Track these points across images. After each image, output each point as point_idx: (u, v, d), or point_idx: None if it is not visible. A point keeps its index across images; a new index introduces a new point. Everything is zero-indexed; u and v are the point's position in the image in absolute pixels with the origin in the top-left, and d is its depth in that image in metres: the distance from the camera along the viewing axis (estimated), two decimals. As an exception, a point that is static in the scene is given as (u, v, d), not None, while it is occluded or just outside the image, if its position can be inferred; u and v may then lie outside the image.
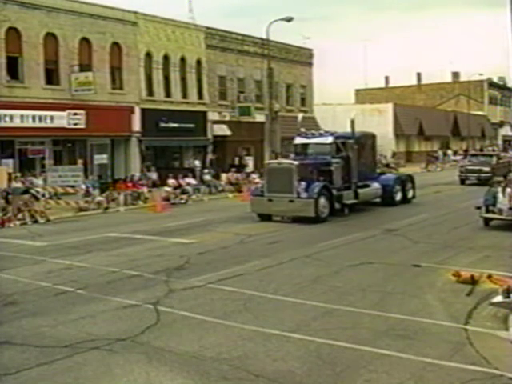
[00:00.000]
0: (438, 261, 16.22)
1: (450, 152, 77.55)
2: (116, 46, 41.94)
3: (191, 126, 46.05)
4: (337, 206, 26.28)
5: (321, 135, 28.52)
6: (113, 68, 41.88)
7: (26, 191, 29.62)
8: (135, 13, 43.47)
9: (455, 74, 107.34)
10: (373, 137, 31.73)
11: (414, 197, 31.48)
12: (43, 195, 30.76)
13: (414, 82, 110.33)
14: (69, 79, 38.52)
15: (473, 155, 51.41)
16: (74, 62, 38.91)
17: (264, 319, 11.33)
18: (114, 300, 13.05)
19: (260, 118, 52.55)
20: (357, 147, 27.84)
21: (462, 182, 44.05)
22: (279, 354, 9.54)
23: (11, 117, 34.87)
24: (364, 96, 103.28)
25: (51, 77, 38.16)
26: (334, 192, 25.90)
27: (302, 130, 29.80)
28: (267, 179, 26.33)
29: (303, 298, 12.74)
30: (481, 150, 75.85)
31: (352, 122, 28.30)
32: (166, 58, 45.61)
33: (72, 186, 31.41)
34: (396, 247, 18.72)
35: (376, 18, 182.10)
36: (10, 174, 31.59)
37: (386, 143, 69.83)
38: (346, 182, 27.11)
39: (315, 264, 16.39)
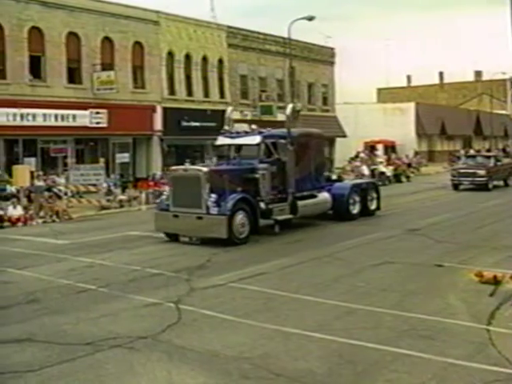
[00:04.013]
0: (461, 261, 16.12)
1: (472, 151, 77.05)
2: (138, 45, 42.08)
3: (213, 124, 46.07)
4: (267, 222, 21.73)
5: (247, 134, 23.09)
6: (135, 67, 42.04)
7: (49, 190, 29.87)
8: (157, 12, 43.60)
9: (478, 73, 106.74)
10: (319, 136, 26.48)
11: (378, 208, 26.37)
12: (65, 194, 30.99)
13: (436, 80, 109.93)
14: (91, 78, 38.71)
15: (469, 156, 46.14)
16: (96, 61, 39.10)
17: (285, 318, 11.31)
18: (136, 298, 13.09)
19: (281, 117, 52.46)
20: (294, 149, 22.48)
21: (456, 187, 38.63)
22: (300, 354, 9.52)
23: (34, 116, 35.07)
24: (386, 95, 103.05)
25: (73, 76, 38.37)
26: (262, 205, 21.06)
27: (226, 127, 24.31)
28: (172, 190, 21.16)
29: (324, 297, 12.70)
30: (489, 150, 75.06)
31: (288, 117, 23.92)
32: (187, 57, 45.69)
33: (94, 185, 31.56)
34: (418, 247, 18.62)
35: (398, 17, 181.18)
36: (32, 173, 31.78)
37: (408, 142, 69.59)
38: (280, 193, 22.16)
39: (336, 263, 16.35)
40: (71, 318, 11.69)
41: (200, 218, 19.91)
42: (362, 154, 59.75)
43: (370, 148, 64.76)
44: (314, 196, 23.71)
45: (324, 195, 24.22)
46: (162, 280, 14.91)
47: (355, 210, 24.98)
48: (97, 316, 11.80)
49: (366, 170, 47.78)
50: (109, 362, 9.36)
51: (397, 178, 48.43)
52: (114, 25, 40.24)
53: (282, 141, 22.45)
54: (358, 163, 54.42)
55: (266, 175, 21.46)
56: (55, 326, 11.21)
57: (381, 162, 51.84)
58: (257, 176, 21.23)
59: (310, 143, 24.40)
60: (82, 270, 16.45)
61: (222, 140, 23.54)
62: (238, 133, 23.43)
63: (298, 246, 19.36)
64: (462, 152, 73.16)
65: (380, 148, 65.51)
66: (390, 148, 65.82)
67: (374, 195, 26.42)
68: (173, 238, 20.66)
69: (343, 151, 59.90)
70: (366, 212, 25.44)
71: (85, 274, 15.80)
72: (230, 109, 26.01)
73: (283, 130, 23.21)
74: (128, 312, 12.10)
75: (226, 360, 9.32)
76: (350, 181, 28.92)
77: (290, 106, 25.17)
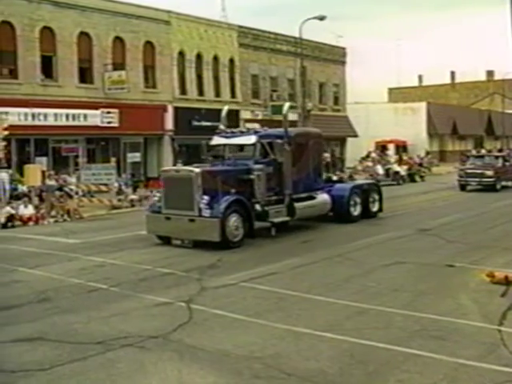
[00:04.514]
0: (472, 261, 16.06)
1: (483, 151, 76.85)
2: (149, 44, 42.20)
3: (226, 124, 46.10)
4: (263, 224, 21.03)
5: (242, 134, 22.41)
6: (146, 67, 42.15)
7: (60, 189, 29.96)
8: (168, 12, 43.70)
9: (489, 73, 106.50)
10: (317, 136, 25.33)
11: (380, 210, 25.61)
12: (76, 193, 31.06)
13: (448, 80, 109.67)
14: (102, 78, 38.85)
15: (476, 156, 44.59)
16: (107, 61, 39.23)
17: (296, 318, 11.30)
18: (147, 298, 13.10)
19: (293, 116, 52.38)
20: (292, 149, 21.96)
21: (463, 187, 37.89)
22: (311, 353, 9.50)
23: (45, 115, 35.22)
24: (397, 95, 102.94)
25: (85, 75, 38.50)
26: (257, 208, 20.46)
27: (222, 127, 23.57)
28: (164, 191, 20.49)
29: (336, 297, 12.68)
30: (500, 150, 74.75)
31: (285, 117, 22.98)
32: (198, 56, 45.78)
33: (105, 184, 31.61)
34: (429, 247, 18.56)
35: (409, 17, 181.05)
36: (43, 172, 31.88)
37: (420, 142, 69.47)
38: (276, 194, 21.56)
39: (347, 263, 16.32)
40: (82, 317, 11.71)
41: (192, 220, 19.28)
42: (373, 154, 59.75)
43: (381, 148, 64.73)
44: (312, 197, 23.12)
45: (323, 197, 23.56)
46: (172, 279, 14.93)
47: (356, 211, 24.30)
48: (108, 315, 11.82)
49: (380, 170, 47.85)
50: (120, 361, 9.37)
51: (411, 177, 48.41)
52: (125, 24, 40.35)
53: (279, 141, 21.74)
54: (369, 163, 54.44)
55: (261, 176, 20.75)
56: (66, 325, 11.23)
57: (395, 162, 51.93)
58: (252, 177, 20.57)
59: (308, 143, 23.65)
60: (93, 269, 16.49)
61: (216, 140, 22.76)
62: (233, 132, 22.63)
63: (308, 246, 19.35)
64: (474, 152, 73.06)
65: (391, 148, 65.47)
66: (401, 148, 65.75)
67: (376, 197, 25.62)
68: (165, 240, 20.15)
69: (354, 151, 59.96)
70: (367, 214, 24.70)
71: (96, 274, 15.84)
72: (225, 108, 25.32)
73: (280, 130, 22.63)
74: (139, 311, 12.12)
75: (237, 359, 9.32)
76: (349, 183, 27.94)
77: (286, 105, 24.20)
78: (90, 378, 8.80)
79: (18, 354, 9.79)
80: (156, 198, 21.28)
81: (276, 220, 21.07)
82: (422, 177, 50.03)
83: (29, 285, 14.71)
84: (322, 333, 10.35)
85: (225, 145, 22.38)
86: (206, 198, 19.18)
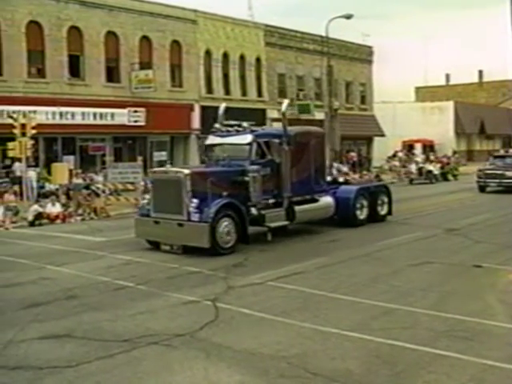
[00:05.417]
0: (500, 261, 15.93)
1: (511, 151, 76.18)
2: (176, 44, 42.37)
3: (250, 123, 46.07)
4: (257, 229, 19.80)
5: (238, 133, 20.83)
6: (172, 66, 42.33)
7: (87, 187, 30.13)
8: (195, 11, 43.82)
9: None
10: (319, 135, 23.72)
11: (389, 213, 24.41)
12: (103, 191, 31.17)
13: (476, 79, 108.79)
14: (129, 77, 39.08)
15: (496, 157, 41.39)
16: (134, 60, 39.45)
17: (323, 317, 11.26)
18: (174, 296, 13.14)
19: (319, 115, 52.38)
20: (291, 149, 20.53)
21: (482, 189, 36.58)
22: (338, 353, 9.47)
23: (73, 114, 35.50)
24: (424, 94, 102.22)
25: (112, 75, 38.77)
26: (253, 211, 19.19)
27: (217, 125, 21.96)
28: (153, 194, 19.46)
29: (362, 297, 12.63)
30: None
31: (283, 114, 21.52)
32: (225, 55, 45.87)
33: (132, 183, 31.71)
34: (457, 247, 18.43)
35: (436, 16, 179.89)
36: (71, 171, 32.09)
37: (447, 142, 69.08)
38: (274, 197, 20.28)
39: (374, 263, 16.24)
40: (109, 315, 11.76)
41: (181, 224, 18.14)
42: (400, 154, 59.51)
43: (408, 147, 64.46)
44: (315, 200, 21.89)
45: (326, 199, 22.30)
46: (199, 278, 14.95)
47: (362, 215, 23.13)
48: (134, 313, 11.86)
49: (414, 169, 47.91)
50: (146, 358, 9.40)
51: (444, 176, 48.18)
52: (152, 24, 40.54)
53: (276, 140, 20.45)
54: (396, 162, 54.27)
55: (257, 178, 19.33)
56: (93, 323, 11.28)
57: (425, 161, 51.81)
58: (247, 179, 19.14)
59: (309, 143, 22.02)
60: (120, 267, 16.56)
61: (212, 139, 21.41)
62: (228, 131, 21.13)
63: (335, 246, 19.29)
64: (502, 152, 72.37)
65: (418, 147, 65.20)
66: (428, 147, 65.42)
67: (385, 199, 24.34)
68: (154, 245, 19.14)
69: (381, 150, 59.72)
70: (375, 218, 23.53)
71: (122, 272, 15.90)
72: (223, 105, 23.70)
73: (278, 129, 21.35)
74: (165, 309, 12.14)
75: (263, 358, 9.30)
76: (355, 185, 26.03)
77: (285, 101, 22.85)
78: (116, 376, 8.83)
79: (45, 351, 9.85)
80: (145, 201, 20.38)
81: (273, 224, 19.80)
82: (455, 175, 49.70)
83: (56, 282, 14.81)
84: (349, 332, 10.31)
85: (219, 144, 21.02)
86: (195, 201, 18.09)
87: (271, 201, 20.17)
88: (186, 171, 18.69)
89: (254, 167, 19.46)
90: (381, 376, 8.64)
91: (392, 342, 9.82)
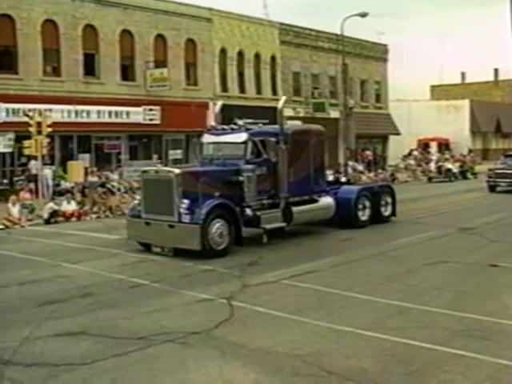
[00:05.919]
0: (516, 261, 15.86)
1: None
2: (191, 42, 42.42)
3: (265, 121, 46.02)
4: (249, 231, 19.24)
5: (233, 131, 20.04)
6: (187, 64, 42.38)
7: (102, 185, 30.22)
8: (210, 9, 43.85)
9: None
10: (319, 133, 22.62)
11: (393, 214, 23.70)
12: (119, 189, 31.28)
13: (491, 77, 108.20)
14: (144, 75, 39.17)
15: (508, 156, 40.14)
16: (149, 59, 39.53)
17: (337, 316, 11.24)
18: (188, 294, 13.15)
19: (334, 114, 52.36)
20: (288, 148, 19.83)
21: (492, 188, 35.76)
22: (352, 352, 9.45)
23: (88, 112, 35.61)
24: (439, 92, 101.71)
25: (127, 73, 38.87)
26: (248, 212, 18.63)
27: (213, 124, 21.26)
28: (143, 194, 18.84)
29: (377, 295, 12.60)
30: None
31: (280, 112, 20.78)
32: (240, 54, 45.88)
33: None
34: (472, 246, 18.36)
35: (451, 14, 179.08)
36: (86, 169, 32.21)
37: (463, 140, 68.82)
38: (270, 198, 19.62)
39: (389, 262, 16.20)
40: (124, 313, 11.80)
41: (171, 226, 17.55)
42: (415, 152, 59.36)
43: (424, 146, 64.26)
44: (314, 201, 21.17)
45: (327, 200, 21.59)
46: (213, 276, 14.97)
47: (365, 216, 22.46)
48: (149, 311, 11.88)
49: (433, 167, 47.87)
50: (161, 356, 9.41)
51: (463, 174, 48.00)
52: (166, 22, 40.61)
53: (272, 139, 19.72)
54: (411, 161, 54.15)
55: (252, 178, 18.68)
56: (108, 320, 11.31)
57: (446, 159, 51.70)
58: (241, 179, 18.49)
59: (308, 141, 21.26)
60: (135, 265, 16.60)
61: (206, 138, 20.65)
62: (223, 129, 20.37)
63: (349, 244, 19.25)
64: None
65: (434, 146, 64.99)
66: (443, 146, 65.20)
67: (389, 200, 23.62)
68: (145, 247, 18.57)
69: (396, 149, 59.59)
70: (378, 219, 22.92)
71: (137, 269, 15.94)
72: (219, 103, 23.45)
73: (275, 127, 20.56)
74: (180, 307, 12.16)
75: (278, 357, 9.30)
76: (357, 185, 26.06)
77: (283, 98, 22.30)
78: (132, 373, 8.85)
79: (60, 348, 9.89)
80: (136, 202, 19.75)
81: (268, 226, 19.09)
82: (474, 174, 49.44)
83: (72, 280, 14.86)
84: (363, 331, 10.28)
85: (214, 143, 20.31)
86: (186, 201, 17.44)
87: (267, 201, 19.56)
88: (177, 171, 18.07)
89: (249, 166, 18.86)
90: (395, 375, 8.61)
91: (407, 341, 9.78)
